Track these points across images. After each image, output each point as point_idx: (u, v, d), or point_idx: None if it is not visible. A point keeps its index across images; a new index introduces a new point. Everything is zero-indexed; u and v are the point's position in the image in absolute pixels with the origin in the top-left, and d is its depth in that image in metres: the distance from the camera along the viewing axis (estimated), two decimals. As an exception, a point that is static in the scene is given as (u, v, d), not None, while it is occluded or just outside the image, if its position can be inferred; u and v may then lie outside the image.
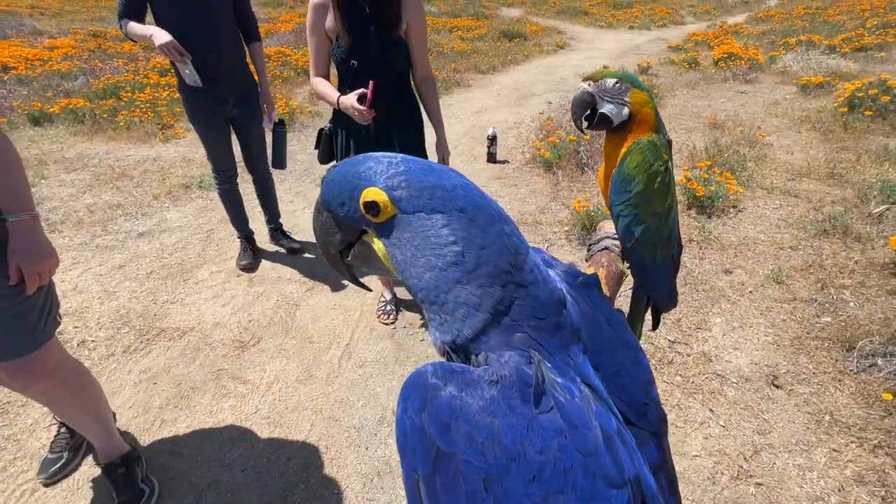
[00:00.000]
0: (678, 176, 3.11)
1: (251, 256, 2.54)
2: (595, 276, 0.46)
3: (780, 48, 7.75)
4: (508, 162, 3.95)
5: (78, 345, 2.01)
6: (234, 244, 2.67)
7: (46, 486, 1.44)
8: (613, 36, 11.78)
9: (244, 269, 2.50)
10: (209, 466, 1.52)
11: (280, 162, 2.40)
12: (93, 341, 2.03)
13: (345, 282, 2.44)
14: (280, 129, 2.36)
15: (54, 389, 1.21)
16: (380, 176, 0.39)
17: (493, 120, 4.93)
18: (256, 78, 2.27)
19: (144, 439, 1.61)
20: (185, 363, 1.93)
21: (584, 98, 0.75)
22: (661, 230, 0.76)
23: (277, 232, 2.71)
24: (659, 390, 1.74)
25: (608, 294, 0.75)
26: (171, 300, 2.30)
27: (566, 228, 2.86)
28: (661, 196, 0.74)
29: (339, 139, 1.70)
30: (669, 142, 0.79)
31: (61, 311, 1.23)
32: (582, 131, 0.79)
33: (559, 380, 0.36)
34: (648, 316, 0.99)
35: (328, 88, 1.60)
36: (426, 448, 0.35)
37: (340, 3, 1.49)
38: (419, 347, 2.00)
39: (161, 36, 1.83)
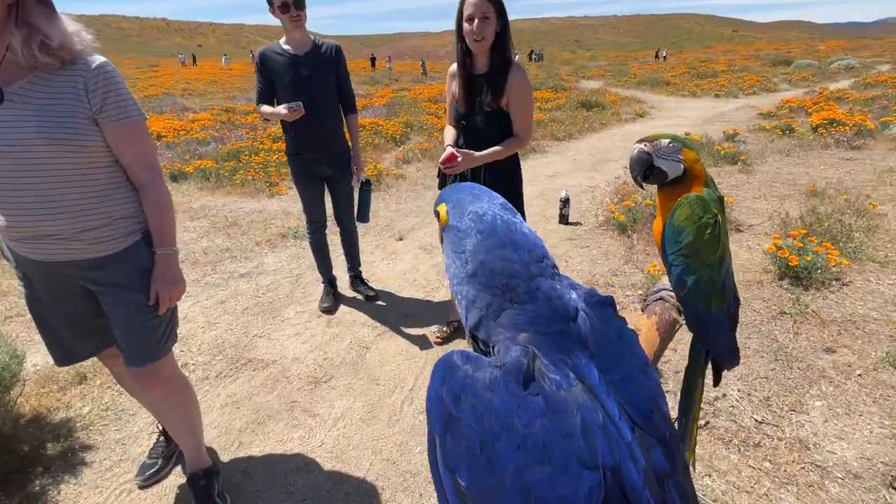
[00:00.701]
0: (766, 244, 2.91)
1: (332, 300, 2.77)
2: (610, 298, 0.51)
3: (893, 113, 7.12)
4: (581, 224, 3.96)
5: (181, 366, 2.29)
6: (318, 288, 2.92)
7: (141, 488, 1.62)
8: (697, 104, 11.62)
9: (324, 312, 2.72)
10: (275, 492, 1.61)
11: (364, 216, 2.66)
12: (193, 364, 2.31)
13: (411, 330, 2.55)
14: (366, 187, 2.64)
15: (165, 398, 1.41)
16: (450, 197, 0.54)
17: (566, 184, 5.02)
18: (349, 143, 2.60)
19: (223, 457, 1.76)
20: (264, 392, 2.10)
21: (641, 156, 0.82)
22: (713, 280, 0.77)
23: (357, 279, 2.93)
24: (744, 475, 1.57)
25: (658, 341, 0.76)
26: (260, 334, 2.55)
27: (640, 292, 2.76)
28: (711, 247, 0.76)
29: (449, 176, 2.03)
30: (720, 198, 0.82)
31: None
32: (640, 186, 0.85)
33: (551, 374, 0.42)
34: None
35: (447, 136, 1.99)
36: (442, 412, 0.43)
37: (463, 76, 1.87)
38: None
39: (281, 111, 2.22)
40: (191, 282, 3.17)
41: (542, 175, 5.63)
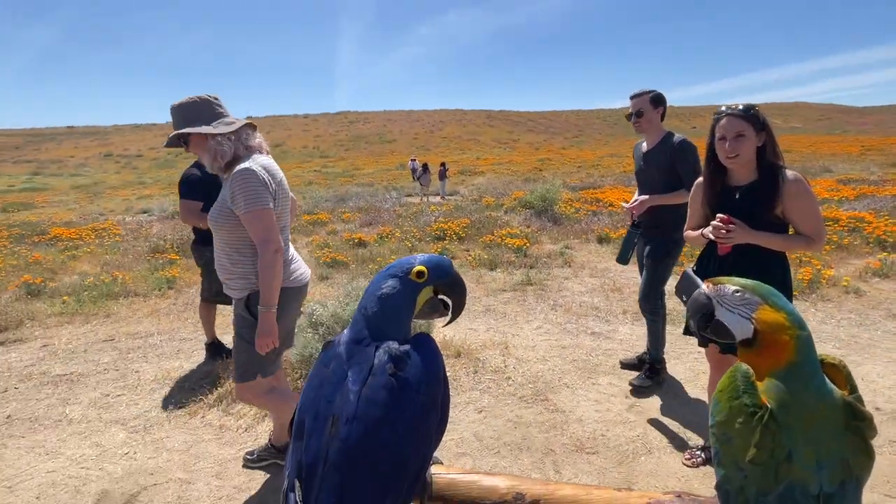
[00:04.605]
0: None
1: (642, 381, 2.74)
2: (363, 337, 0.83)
3: None
4: None
5: (505, 378, 2.93)
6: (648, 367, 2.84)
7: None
8: None
9: (631, 385, 2.73)
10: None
11: (620, 257, 2.65)
12: (511, 380, 2.89)
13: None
14: (632, 229, 2.61)
15: (256, 405, 2.00)
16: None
17: None
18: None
19: (479, 455, 2.21)
20: (540, 431, 2.38)
21: (699, 299, 0.59)
22: (745, 494, 0.44)
23: (646, 367, 2.80)
24: None
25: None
26: (568, 385, 2.82)
27: None
28: (743, 442, 0.45)
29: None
30: (850, 404, 0.44)
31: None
32: (696, 335, 0.58)
33: (330, 357, 0.86)
34: None
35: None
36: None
37: (716, 191, 1.83)
38: None
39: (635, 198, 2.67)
40: (554, 324, 3.83)
41: None
